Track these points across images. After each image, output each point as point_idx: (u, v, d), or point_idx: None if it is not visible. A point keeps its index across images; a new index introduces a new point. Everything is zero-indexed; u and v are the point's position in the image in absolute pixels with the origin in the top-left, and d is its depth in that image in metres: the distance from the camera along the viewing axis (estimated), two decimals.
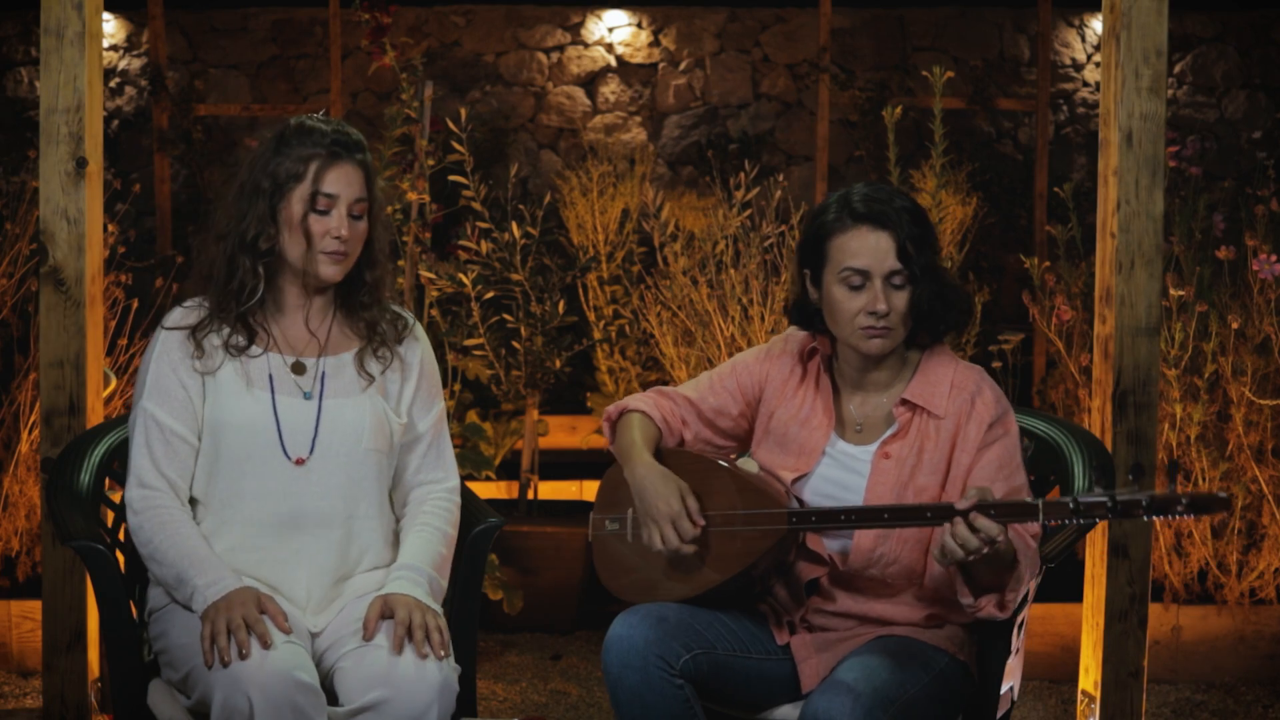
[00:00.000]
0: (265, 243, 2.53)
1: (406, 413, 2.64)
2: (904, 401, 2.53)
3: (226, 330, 2.55)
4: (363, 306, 2.63)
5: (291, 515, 2.51)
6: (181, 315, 2.58)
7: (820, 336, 2.62)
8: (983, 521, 2.25)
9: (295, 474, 2.52)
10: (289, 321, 2.60)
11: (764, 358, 2.68)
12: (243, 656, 2.28)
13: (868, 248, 2.46)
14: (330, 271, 2.55)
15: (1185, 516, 2.18)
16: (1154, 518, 2.21)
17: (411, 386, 2.65)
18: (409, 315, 2.71)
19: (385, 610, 2.43)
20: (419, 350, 2.67)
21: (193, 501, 2.55)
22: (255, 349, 2.56)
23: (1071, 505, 2.24)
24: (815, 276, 2.55)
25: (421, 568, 2.53)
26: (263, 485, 2.51)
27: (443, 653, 2.40)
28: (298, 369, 2.58)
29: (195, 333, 2.54)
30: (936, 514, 2.34)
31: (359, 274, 2.62)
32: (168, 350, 2.54)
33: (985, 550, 2.26)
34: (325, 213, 2.53)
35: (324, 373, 2.58)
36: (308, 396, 2.56)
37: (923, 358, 2.56)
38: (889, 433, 2.53)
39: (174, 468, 2.51)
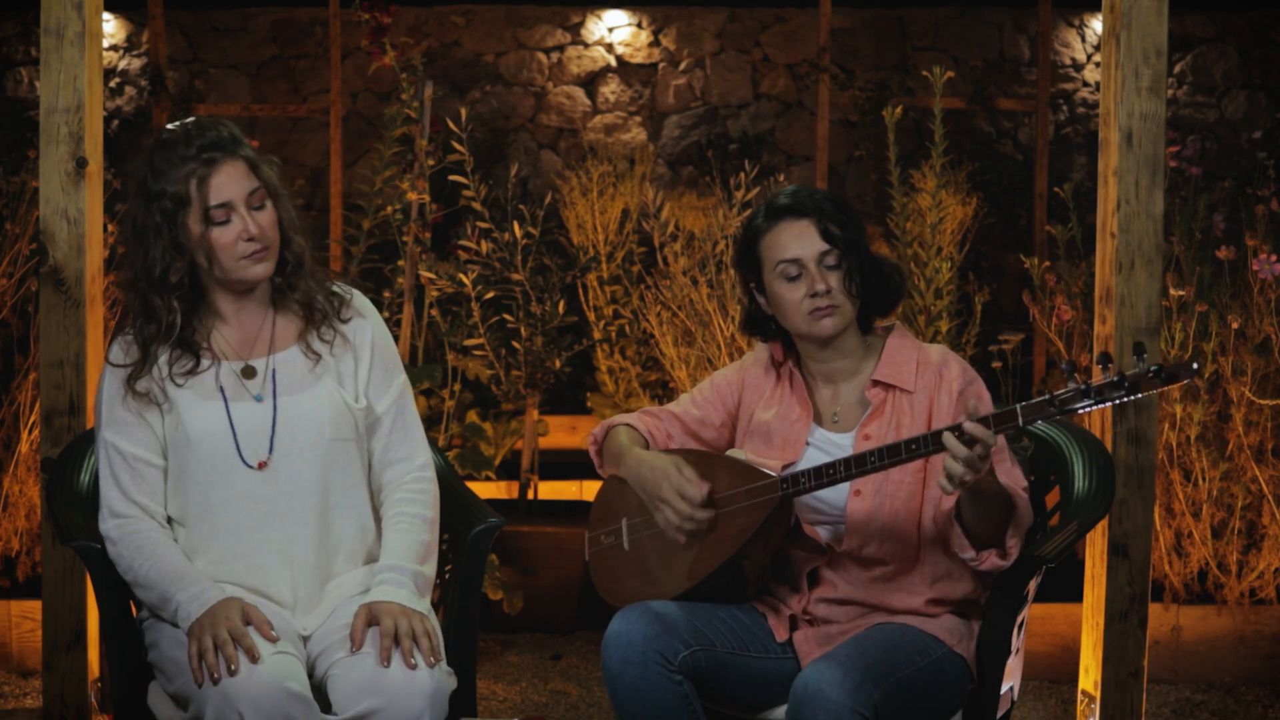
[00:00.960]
0: (175, 275, 2.49)
1: (364, 394, 2.60)
2: (875, 383, 2.61)
3: (165, 365, 2.52)
4: (290, 286, 2.59)
5: (265, 519, 2.50)
6: (121, 351, 2.55)
7: (775, 343, 2.71)
8: (972, 427, 2.28)
9: (260, 478, 2.50)
10: (230, 328, 2.57)
11: (739, 368, 2.77)
12: (231, 672, 2.27)
13: (794, 237, 2.58)
14: (258, 271, 2.51)
15: (1160, 388, 2.23)
16: (1131, 397, 2.25)
17: (365, 367, 2.60)
18: (349, 290, 2.66)
19: (370, 619, 2.41)
20: (368, 328, 2.63)
21: (171, 521, 2.54)
22: (201, 365, 2.53)
23: (1049, 400, 2.29)
24: (758, 284, 2.65)
25: (404, 565, 2.51)
26: (231, 494, 2.49)
27: (432, 659, 2.38)
28: (248, 373, 2.55)
29: (129, 382, 2.51)
30: (922, 444, 2.39)
31: (280, 257, 2.57)
32: (115, 380, 2.53)
33: (981, 464, 2.29)
34: (225, 222, 2.48)
35: (274, 370, 2.56)
36: (259, 399, 2.53)
37: (886, 342, 2.65)
38: (865, 414, 2.60)
39: (143, 492, 2.51)
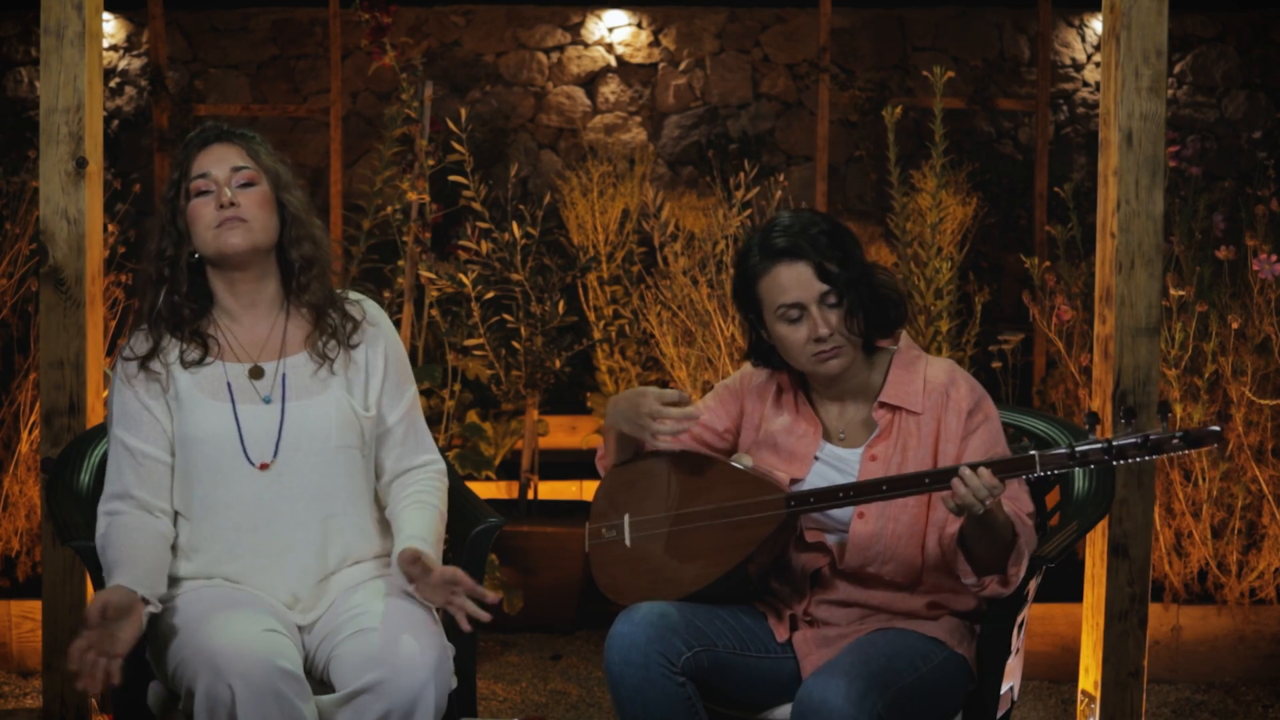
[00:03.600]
0: (171, 248, 2.54)
1: (375, 405, 2.62)
2: (882, 404, 2.58)
3: (177, 349, 2.55)
4: (301, 288, 2.60)
5: (267, 521, 2.51)
6: (135, 343, 2.58)
7: (781, 372, 2.68)
8: (986, 475, 2.31)
9: (263, 479, 2.51)
10: (240, 328, 2.59)
11: (741, 377, 2.75)
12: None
13: (793, 280, 2.52)
14: (232, 241, 2.52)
15: (1182, 452, 2.25)
16: (1151, 457, 2.26)
17: (379, 379, 2.62)
18: (364, 304, 2.66)
19: (418, 560, 2.43)
20: (381, 339, 2.64)
21: (178, 517, 2.55)
22: (210, 359, 2.55)
23: (1069, 453, 2.30)
24: (758, 319, 2.61)
25: (430, 539, 2.53)
26: (234, 494, 2.50)
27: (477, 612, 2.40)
28: (255, 374, 2.56)
29: (145, 362, 2.54)
30: (934, 479, 2.39)
31: (286, 257, 2.60)
32: (128, 377, 2.55)
33: (991, 502, 2.31)
34: (204, 193, 2.53)
35: (284, 375, 2.57)
36: (267, 401, 2.54)
37: (893, 360, 2.62)
38: (872, 436, 2.58)
39: (147, 489, 2.52)
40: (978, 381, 2.61)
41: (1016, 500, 2.49)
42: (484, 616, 2.41)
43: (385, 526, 2.65)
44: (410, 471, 2.65)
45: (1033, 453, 2.32)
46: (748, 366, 2.75)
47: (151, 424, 2.53)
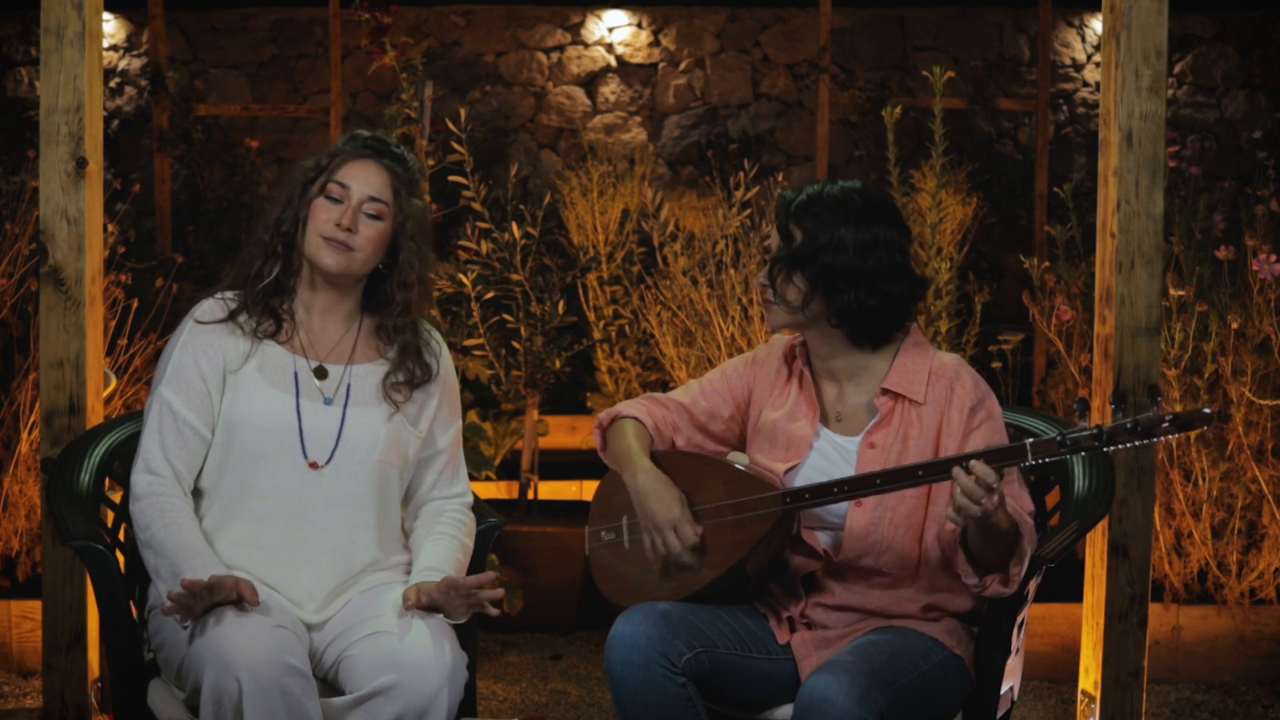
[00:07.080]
0: (287, 225, 2.57)
1: (427, 428, 2.65)
2: (885, 391, 2.57)
3: (255, 319, 2.58)
4: (396, 330, 2.63)
5: (298, 517, 2.52)
6: (212, 307, 2.60)
7: (796, 351, 2.70)
8: (980, 468, 2.29)
9: (308, 477, 2.52)
10: (315, 325, 2.61)
11: (751, 362, 2.74)
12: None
13: (772, 228, 2.62)
14: (329, 261, 2.54)
15: (1172, 435, 2.24)
16: (1142, 442, 2.26)
17: (434, 404, 2.66)
18: (434, 341, 2.70)
19: (421, 596, 2.45)
20: (442, 369, 2.68)
21: (198, 493, 2.55)
22: (280, 345, 2.57)
23: (1059, 440, 2.29)
24: None
25: (446, 570, 2.54)
26: (274, 484, 2.51)
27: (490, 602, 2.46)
28: (320, 374, 2.58)
29: (233, 315, 2.58)
30: (928, 471, 2.38)
31: (388, 291, 2.63)
32: (193, 340, 2.55)
33: (988, 502, 2.29)
34: (336, 200, 2.55)
35: (349, 383, 2.59)
36: (328, 402, 2.56)
37: (900, 346, 2.61)
38: (872, 422, 2.57)
39: (181, 457, 2.52)
40: (982, 378, 2.60)
41: (1018, 498, 2.48)
42: (498, 594, 2.46)
43: (407, 542, 2.67)
44: (440, 500, 2.68)
45: (1025, 441, 2.32)
46: (760, 350, 2.75)
47: (202, 394, 2.53)
